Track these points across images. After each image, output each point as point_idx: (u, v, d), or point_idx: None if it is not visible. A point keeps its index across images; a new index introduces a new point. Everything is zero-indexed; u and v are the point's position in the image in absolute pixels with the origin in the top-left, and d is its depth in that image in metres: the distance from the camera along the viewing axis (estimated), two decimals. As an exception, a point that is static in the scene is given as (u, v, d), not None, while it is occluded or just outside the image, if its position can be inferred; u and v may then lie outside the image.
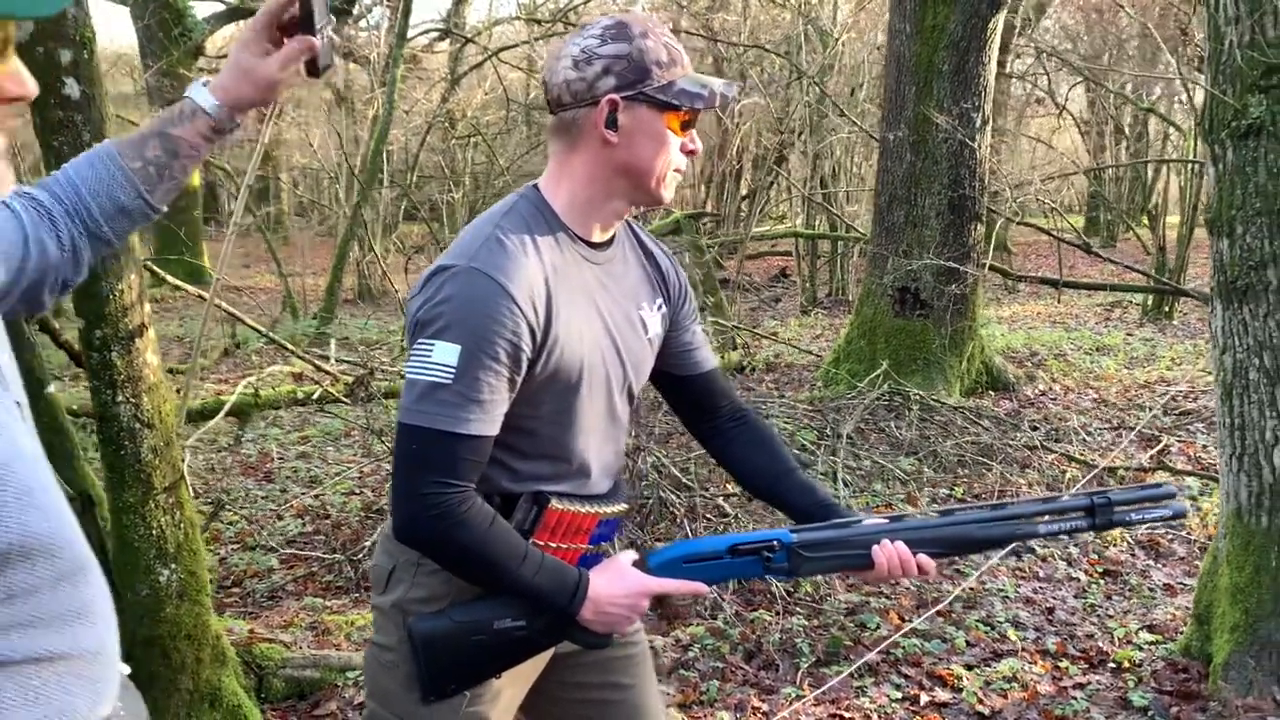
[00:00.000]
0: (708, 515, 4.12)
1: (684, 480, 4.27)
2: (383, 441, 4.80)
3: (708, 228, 11.67)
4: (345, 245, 10.33)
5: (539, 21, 12.62)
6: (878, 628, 3.53)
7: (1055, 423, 6.00)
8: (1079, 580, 3.98)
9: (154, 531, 2.48)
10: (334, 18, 1.42)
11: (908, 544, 1.58)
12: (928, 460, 5.25)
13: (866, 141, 10.96)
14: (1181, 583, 3.91)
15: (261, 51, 1.34)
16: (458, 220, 13.03)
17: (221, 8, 14.08)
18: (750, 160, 13.81)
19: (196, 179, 13.87)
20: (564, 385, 1.51)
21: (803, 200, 12.00)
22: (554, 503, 1.53)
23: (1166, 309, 9.63)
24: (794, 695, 3.13)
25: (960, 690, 3.15)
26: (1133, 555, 4.21)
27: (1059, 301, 9.91)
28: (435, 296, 1.44)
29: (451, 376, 1.40)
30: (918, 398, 5.85)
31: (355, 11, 14.30)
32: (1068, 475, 5.02)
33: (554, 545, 1.54)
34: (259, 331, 4.64)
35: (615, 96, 1.46)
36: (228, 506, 4.50)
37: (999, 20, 6.42)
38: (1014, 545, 4.05)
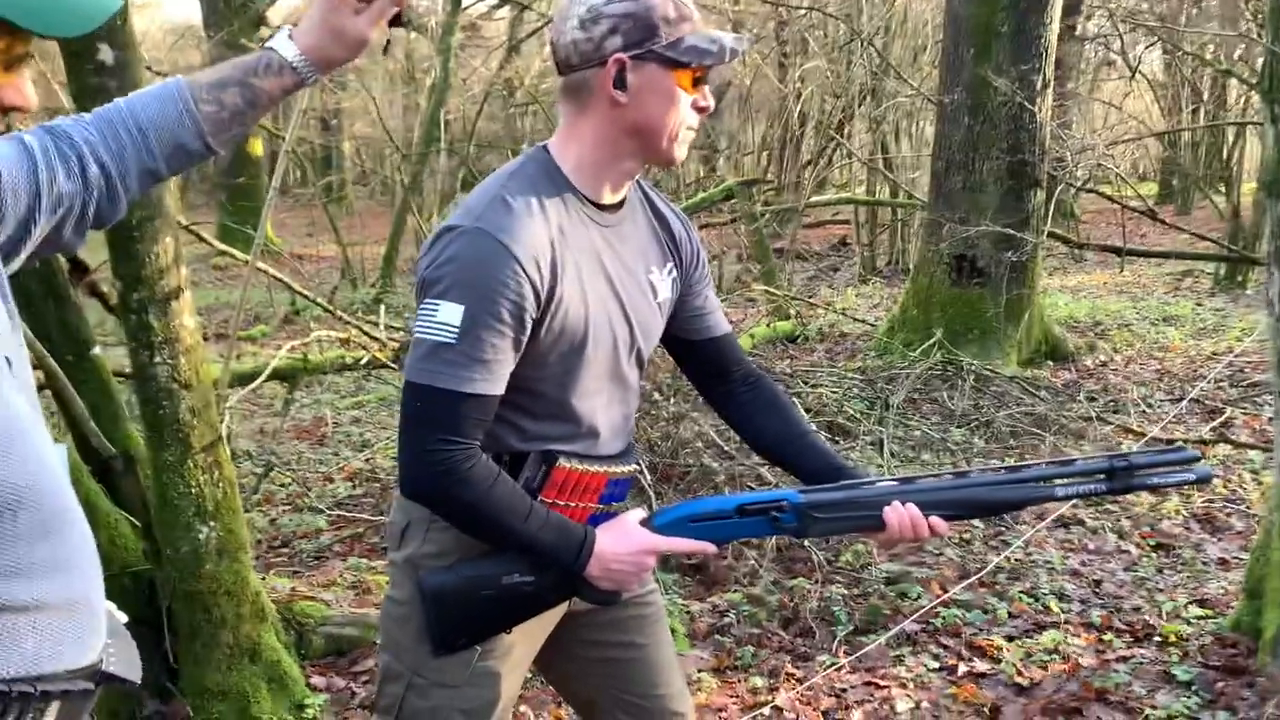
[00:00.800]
0: (749, 484, 4.10)
1: (726, 448, 4.25)
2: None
3: (765, 195, 11.56)
4: (402, 214, 10.44)
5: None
6: (918, 597, 3.50)
7: (1114, 394, 5.86)
8: (1130, 553, 3.90)
9: (193, 490, 2.54)
10: None
11: (920, 506, 1.55)
12: (980, 431, 5.17)
13: (931, 105, 10.74)
14: (1237, 557, 3.80)
15: (351, 10, 1.33)
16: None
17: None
18: (812, 126, 13.62)
19: (259, 148, 14.11)
20: (569, 346, 1.51)
21: (865, 166, 11.82)
22: (562, 461, 1.53)
23: (1240, 278, 9.31)
24: (830, 663, 3.12)
25: (999, 661, 3.11)
26: (1187, 528, 4.10)
27: (1122, 271, 9.65)
28: (440, 257, 1.44)
29: (455, 336, 1.41)
30: (972, 367, 5.75)
31: (415, -20, 14.35)
32: (1124, 447, 4.90)
33: (562, 504, 1.55)
34: (304, 295, 4.71)
35: (623, 56, 1.44)
36: (279, 469, 4.60)
37: (1062, -21, 6.21)
38: (1043, 508, 3.98)
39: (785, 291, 7.99)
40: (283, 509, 4.47)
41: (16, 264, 1.19)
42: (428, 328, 1.43)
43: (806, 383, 5.65)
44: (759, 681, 3.03)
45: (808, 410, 5.02)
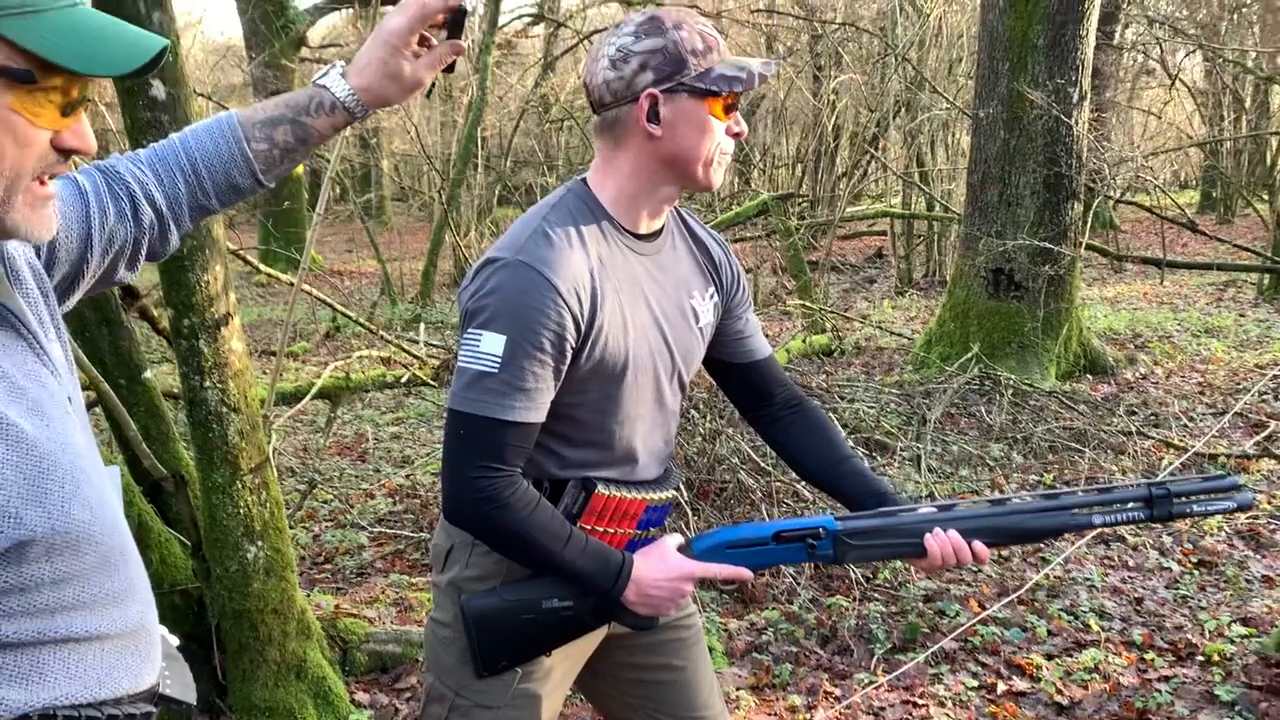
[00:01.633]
0: (785, 500, 4.12)
1: (762, 464, 4.27)
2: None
3: (800, 208, 11.56)
4: (440, 230, 10.55)
5: (632, 3, 12.64)
6: (957, 615, 3.49)
7: (1155, 407, 5.81)
8: (1171, 570, 3.86)
9: (241, 510, 2.60)
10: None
11: (959, 532, 1.57)
12: (1018, 446, 5.14)
13: (966, 116, 10.70)
14: (1281, 575, 3.76)
15: (411, 54, 1.33)
16: (551, 204, 13.14)
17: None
18: (847, 139, 13.61)
19: (301, 168, 14.31)
20: (609, 374, 1.54)
21: (900, 179, 11.78)
22: (601, 488, 1.57)
23: (1284, 288, 9.18)
24: (868, 681, 3.12)
25: (1039, 680, 3.10)
26: (1230, 545, 4.06)
27: (1162, 282, 9.54)
28: (483, 288, 1.49)
29: (498, 366, 1.45)
30: (1009, 382, 5.72)
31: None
32: (1164, 462, 4.86)
33: (601, 530, 1.58)
34: (345, 315, 4.79)
35: (654, 90, 1.48)
36: (321, 485, 4.67)
37: (1098, -10, 6.19)
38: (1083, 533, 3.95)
39: (821, 305, 7.99)
40: (325, 525, 4.55)
41: (72, 302, 1.23)
42: (471, 357, 1.47)
43: (843, 398, 5.66)
44: (797, 700, 3.04)
45: (844, 426, 5.03)
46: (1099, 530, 4.04)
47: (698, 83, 1.49)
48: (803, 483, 4.28)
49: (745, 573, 1.61)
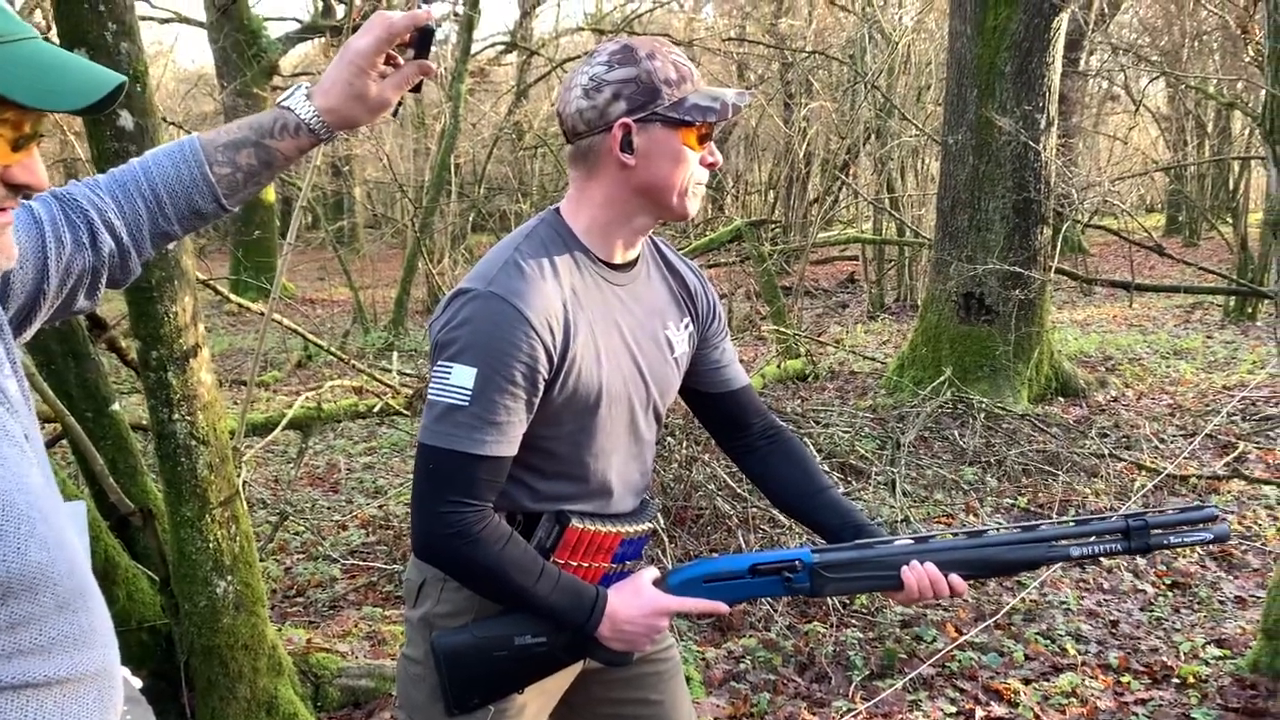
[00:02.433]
0: (762, 526, 4.11)
1: (739, 490, 4.26)
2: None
3: (772, 234, 11.63)
4: (413, 258, 10.53)
5: (604, 32, 12.72)
6: (934, 640, 3.48)
7: (1126, 429, 5.85)
8: (1146, 592, 3.88)
9: (211, 544, 2.56)
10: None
11: (936, 565, 1.57)
12: (992, 469, 5.16)
13: (936, 142, 10.82)
14: (1254, 595, 3.78)
15: (377, 74, 1.31)
16: (525, 231, 13.16)
17: (295, 27, 14.46)
18: (818, 165, 13.72)
19: (272, 195, 14.26)
20: (583, 406, 1.53)
21: (872, 205, 11.89)
22: (575, 522, 1.55)
23: (1250, 310, 9.31)
24: (846, 709, 3.11)
25: (1017, 705, 3.10)
26: (1203, 566, 4.08)
27: (1131, 305, 9.66)
28: (454, 320, 1.47)
29: (468, 399, 1.43)
30: (982, 405, 5.76)
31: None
32: (1137, 484, 4.89)
33: (575, 564, 1.56)
34: (316, 344, 4.75)
35: (628, 120, 1.48)
36: (293, 517, 4.62)
37: (1063, 19, 6.29)
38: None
39: (795, 330, 8.02)
40: (297, 557, 4.49)
41: (29, 333, 1.19)
42: (441, 390, 1.45)
43: (818, 422, 5.66)
44: (775, 729, 3.02)
45: (819, 451, 5.03)
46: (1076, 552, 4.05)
47: (671, 112, 1.48)
48: (778, 509, 4.27)
49: (721, 607, 1.59)
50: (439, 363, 1.46)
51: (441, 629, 1.56)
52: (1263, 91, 3.00)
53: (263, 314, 3.40)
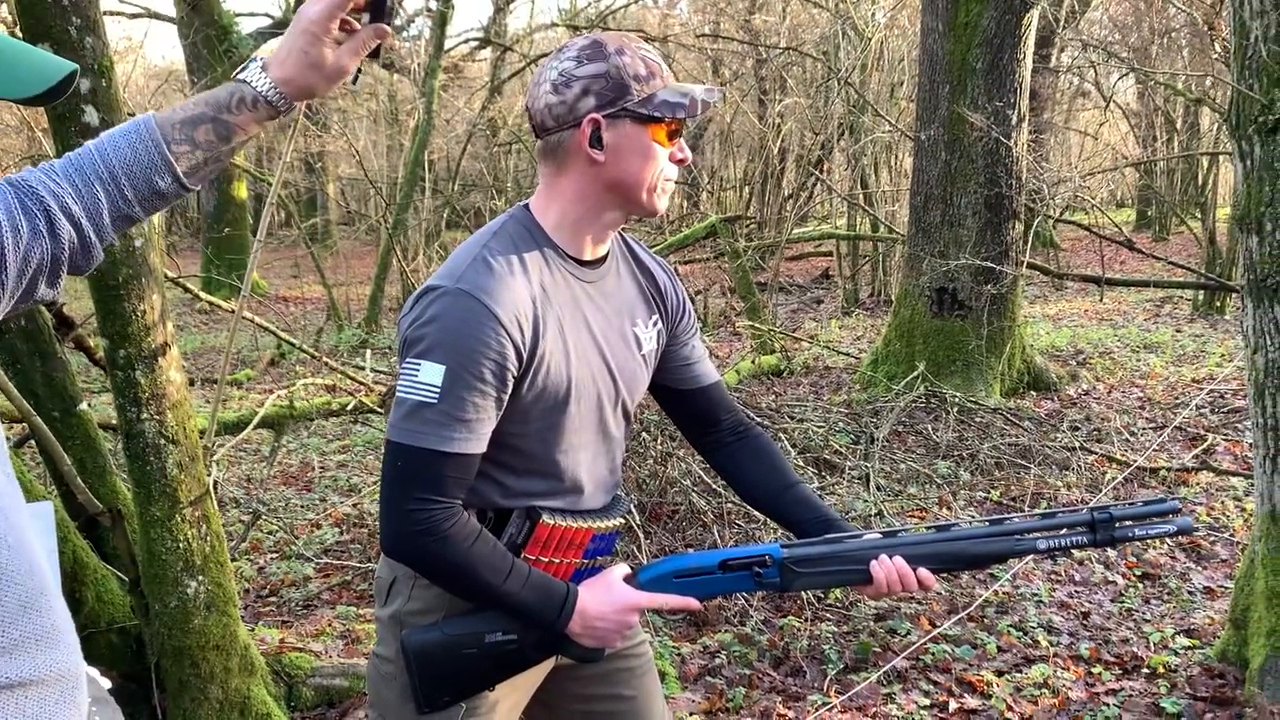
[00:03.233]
0: (738, 521, 4.12)
1: (714, 486, 4.27)
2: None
3: (747, 230, 11.65)
4: (387, 255, 10.47)
5: (579, 28, 12.70)
6: (908, 633, 3.51)
7: (1097, 423, 5.91)
8: (1116, 584, 3.92)
9: (181, 544, 2.54)
10: None
11: (905, 559, 1.57)
12: (965, 463, 5.20)
13: (909, 139, 10.87)
14: (1222, 586, 3.83)
15: (333, 41, 1.29)
16: (499, 227, 13.12)
17: (266, 22, 14.34)
18: (793, 161, 13.76)
19: (244, 191, 14.14)
20: (552, 403, 1.53)
21: (845, 200, 11.94)
22: (545, 518, 1.55)
23: (1218, 304, 9.41)
24: (821, 702, 3.12)
25: (990, 697, 3.12)
26: (1172, 558, 4.13)
27: (1102, 299, 9.75)
28: (422, 316, 1.46)
29: (437, 396, 1.42)
30: (955, 399, 5.79)
31: (397, 23, 14.48)
32: (1108, 476, 4.94)
33: (547, 560, 1.56)
34: (288, 341, 4.72)
35: (597, 115, 1.47)
36: (266, 516, 4.58)
37: (1033, 16, 6.33)
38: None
39: (770, 326, 8.03)
40: (270, 557, 4.46)
41: None
42: (409, 387, 1.45)
43: (793, 417, 5.68)
44: (750, 723, 3.03)
45: (794, 446, 5.05)
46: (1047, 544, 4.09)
47: (640, 108, 1.48)
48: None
49: (693, 602, 1.59)
50: (407, 360, 1.46)
51: (412, 626, 1.55)
52: (1229, 88, 3.03)
53: (234, 312, 3.38)
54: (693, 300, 1.74)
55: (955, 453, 5.29)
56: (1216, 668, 3.15)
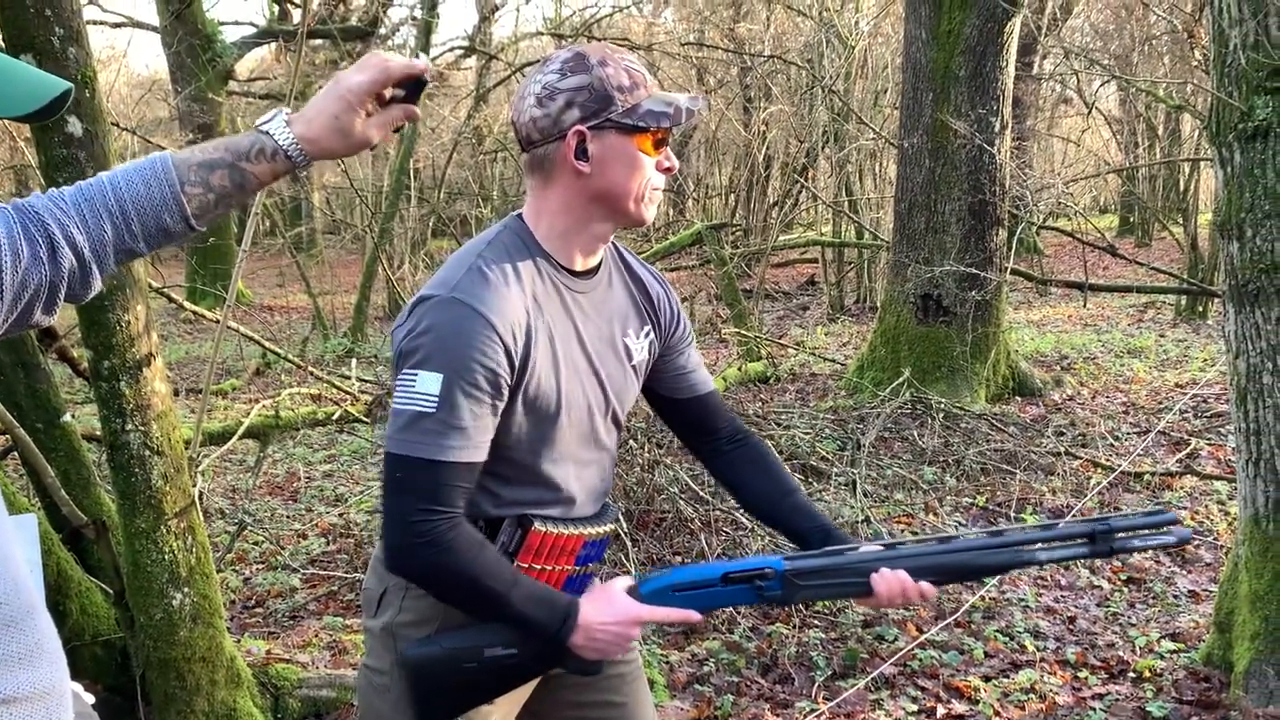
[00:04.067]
0: (724, 529, 4.12)
1: (701, 494, 4.27)
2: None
3: (733, 237, 11.67)
4: (372, 263, 10.45)
5: (563, 36, 12.71)
6: (895, 639, 3.51)
7: (1082, 428, 5.94)
8: (1102, 588, 3.94)
9: (166, 556, 2.53)
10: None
11: (907, 571, 1.58)
12: (950, 469, 5.21)
13: (893, 146, 10.92)
14: (1206, 589, 3.85)
15: (365, 113, 1.31)
16: (485, 235, 13.12)
17: (250, 31, 14.31)
18: (778, 168, 13.80)
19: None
20: (543, 413, 1.53)
21: (830, 207, 11.98)
22: (537, 525, 1.54)
23: (1200, 309, 9.48)
24: (809, 709, 3.12)
25: (977, 702, 3.13)
26: (1157, 562, 4.15)
27: (1085, 305, 9.82)
28: (417, 327, 1.46)
29: (435, 405, 1.42)
30: (940, 405, 5.81)
31: (381, 31, 14.48)
32: (1093, 481, 4.96)
33: (539, 567, 1.56)
34: (273, 351, 4.70)
35: (581, 127, 1.48)
36: (252, 526, 4.56)
37: (1015, 24, 6.37)
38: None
39: (756, 333, 8.05)
40: (256, 567, 4.44)
41: None
42: (407, 398, 1.44)
43: (779, 424, 5.69)
44: (739, 731, 3.03)
45: (781, 453, 5.05)
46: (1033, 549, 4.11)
47: (625, 119, 1.48)
48: (742, 511, 4.29)
49: (694, 615, 1.59)
50: (404, 371, 1.45)
51: (405, 637, 1.55)
52: (1209, 95, 3.06)
53: (219, 321, 3.37)
54: (679, 308, 1.73)
55: (941, 458, 5.30)
56: (1202, 671, 3.17)
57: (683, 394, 1.78)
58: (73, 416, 2.96)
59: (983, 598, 3.79)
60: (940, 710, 3.09)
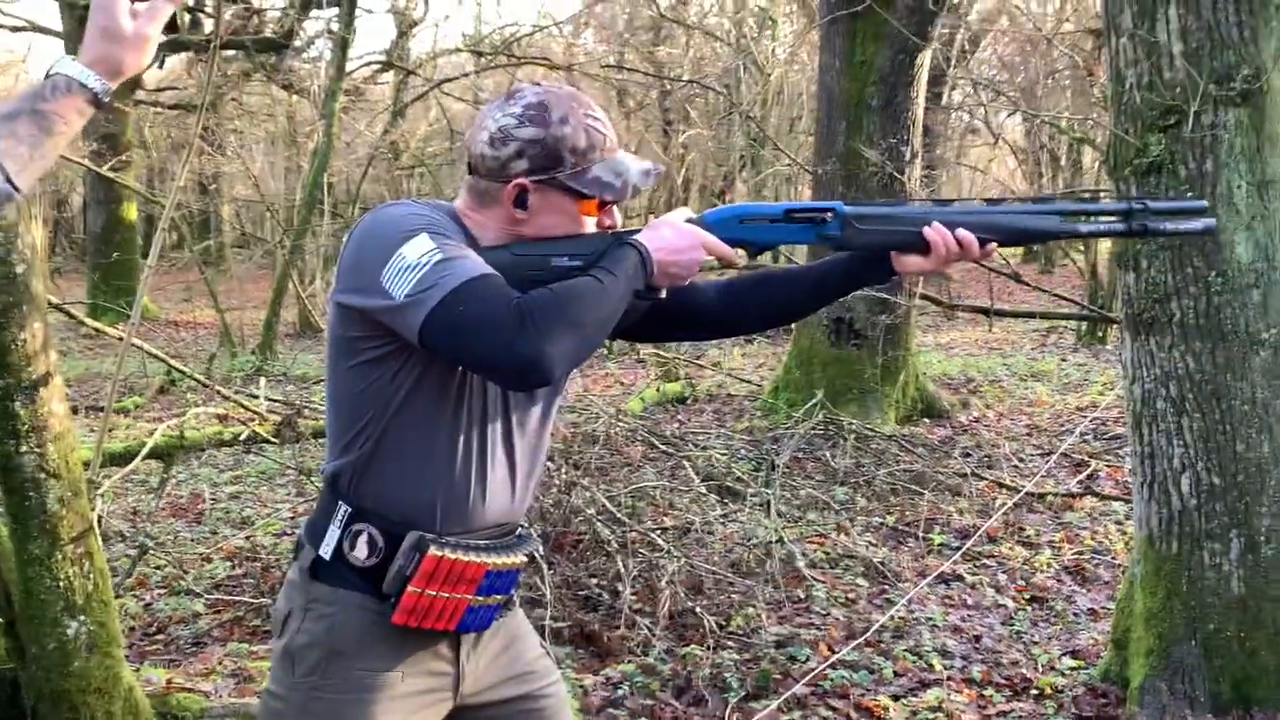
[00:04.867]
0: (641, 550, 4.12)
1: (618, 515, 4.27)
2: (313, 482, 4.76)
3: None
4: (283, 279, 10.25)
5: (482, 54, 12.67)
6: (807, 659, 3.55)
7: (988, 449, 6.10)
8: (1006, 607, 4.04)
9: (61, 583, 2.43)
10: None
11: (961, 226, 1.59)
12: (861, 489, 5.31)
13: (806, 173, 11.12)
14: (1105, 607, 3.98)
15: (128, 14, 1.33)
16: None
17: (161, 39, 13.94)
18: (696, 190, 13.95)
19: (134, 213, 13.69)
20: (443, 405, 1.52)
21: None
22: (433, 549, 1.51)
23: (1100, 335, 9.84)
24: (722, 731, 3.13)
25: (886, 721, 3.18)
26: (1059, 580, 4.28)
27: (991, 329, 10.12)
28: (372, 230, 1.48)
29: (439, 252, 1.40)
30: (852, 427, 5.92)
31: (297, 44, 14.24)
32: (998, 501, 5.09)
33: (433, 593, 1.51)
34: (178, 370, 4.58)
35: (525, 181, 1.50)
36: (153, 550, 4.42)
37: (926, 56, 6.56)
38: (923, 565, 4.10)
39: (674, 354, 8.10)
40: (158, 593, 4.29)
41: None
42: (412, 274, 1.38)
43: (697, 445, 5.73)
44: (653, 754, 3.03)
45: (697, 473, 5.09)
46: (940, 569, 4.21)
47: (570, 182, 1.50)
48: (659, 532, 4.30)
49: (737, 257, 1.58)
50: (389, 262, 1.40)
51: (302, 659, 1.53)
52: (1108, 130, 3.19)
53: (122, 338, 3.26)
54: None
55: (852, 479, 5.39)
56: (1100, 687, 3.27)
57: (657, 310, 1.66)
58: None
59: (892, 618, 3.86)
60: (851, 730, 3.13)
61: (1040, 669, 3.49)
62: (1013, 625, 3.87)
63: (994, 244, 1.62)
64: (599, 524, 4.23)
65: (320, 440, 4.97)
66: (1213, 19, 2.87)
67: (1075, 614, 3.95)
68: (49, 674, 2.47)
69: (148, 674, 3.17)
